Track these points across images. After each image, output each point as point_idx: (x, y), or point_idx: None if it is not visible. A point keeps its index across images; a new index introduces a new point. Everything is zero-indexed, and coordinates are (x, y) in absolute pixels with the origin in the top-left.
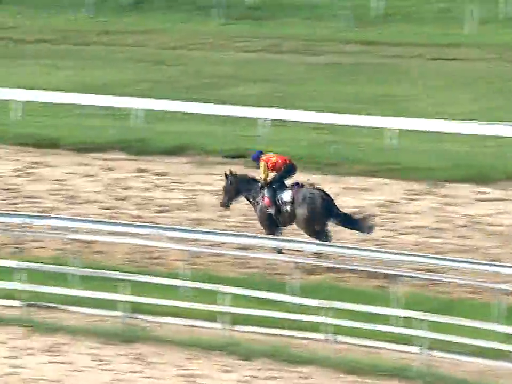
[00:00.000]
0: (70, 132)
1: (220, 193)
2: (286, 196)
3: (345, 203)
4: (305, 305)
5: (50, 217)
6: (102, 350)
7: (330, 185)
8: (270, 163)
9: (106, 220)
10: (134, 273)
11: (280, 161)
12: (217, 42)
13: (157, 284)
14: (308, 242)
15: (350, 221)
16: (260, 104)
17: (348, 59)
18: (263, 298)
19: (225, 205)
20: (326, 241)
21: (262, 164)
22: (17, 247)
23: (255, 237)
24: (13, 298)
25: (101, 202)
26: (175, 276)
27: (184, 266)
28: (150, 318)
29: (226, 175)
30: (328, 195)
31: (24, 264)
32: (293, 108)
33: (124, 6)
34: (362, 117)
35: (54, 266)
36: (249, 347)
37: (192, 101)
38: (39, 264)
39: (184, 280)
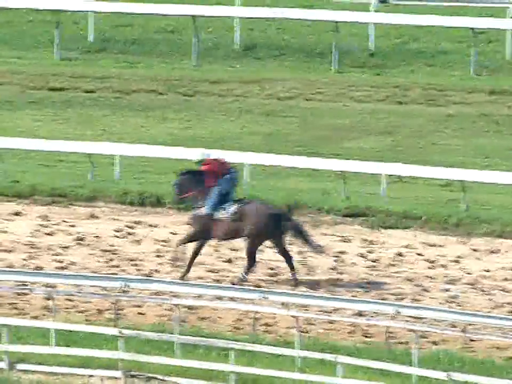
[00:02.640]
0: (170, 189)
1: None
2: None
3: (470, 266)
4: (430, 377)
5: (152, 281)
6: None
7: (455, 246)
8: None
9: (212, 284)
10: (242, 341)
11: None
12: (333, 91)
13: (267, 353)
14: (430, 309)
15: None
16: (379, 158)
17: (474, 109)
18: (383, 370)
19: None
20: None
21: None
22: (117, 313)
23: (372, 302)
24: (113, 368)
25: (206, 265)
26: (285, 344)
27: (296, 334)
28: None
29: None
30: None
31: (125, 332)
32: (416, 163)
33: (233, 53)
34: (491, 172)
35: (156, 334)
36: None
37: (305, 155)
38: (139, 332)
39: (296, 349)
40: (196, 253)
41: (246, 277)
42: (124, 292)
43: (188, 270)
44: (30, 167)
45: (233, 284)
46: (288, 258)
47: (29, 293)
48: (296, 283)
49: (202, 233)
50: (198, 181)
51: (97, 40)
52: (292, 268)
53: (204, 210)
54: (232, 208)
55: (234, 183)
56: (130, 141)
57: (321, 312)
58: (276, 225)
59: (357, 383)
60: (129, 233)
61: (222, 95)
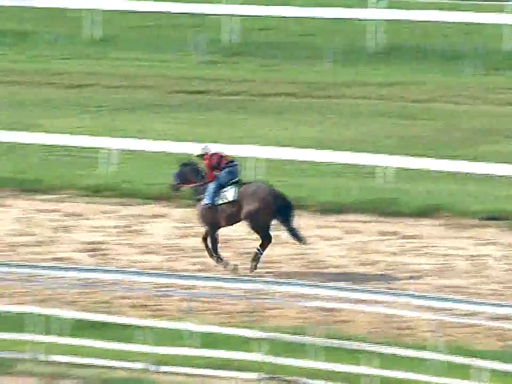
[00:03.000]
0: (312, 192)
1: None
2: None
3: None
4: None
5: (290, 284)
6: None
7: None
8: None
9: (350, 287)
10: (379, 344)
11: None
12: (472, 94)
13: (405, 356)
14: None
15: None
16: None
17: None
18: None
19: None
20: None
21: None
22: (255, 315)
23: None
24: (251, 370)
25: (344, 267)
26: (423, 348)
27: (435, 338)
28: None
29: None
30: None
31: (263, 334)
32: None
33: (371, 55)
34: None
35: (295, 336)
36: None
37: (443, 158)
38: (277, 334)
39: (435, 352)
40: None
41: (262, 252)
42: (262, 294)
43: (218, 258)
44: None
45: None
46: (293, 234)
47: (170, 295)
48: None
49: (211, 224)
50: (197, 173)
51: (237, 43)
52: (299, 239)
53: (203, 202)
54: (228, 193)
55: (234, 176)
56: (269, 144)
57: (460, 316)
58: (274, 206)
59: None
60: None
61: (360, 97)
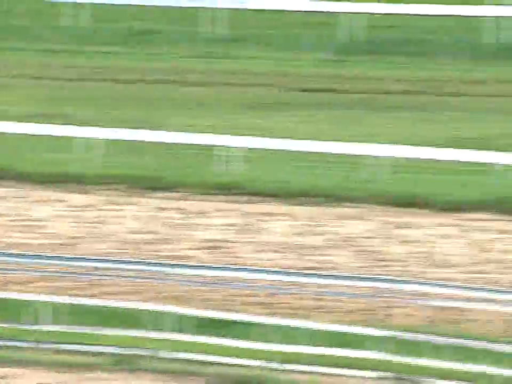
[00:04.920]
0: (436, 190)
1: None
2: None
3: None
4: None
5: (412, 282)
6: None
7: None
8: None
9: (470, 285)
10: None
11: None
12: None
13: None
14: None
15: None
16: None
17: None
18: None
19: None
20: None
21: None
22: (385, 313)
23: None
24: (382, 370)
25: (463, 266)
26: None
27: None
28: None
29: None
30: None
31: (390, 333)
32: None
33: (494, 53)
34: None
35: (424, 335)
36: None
37: None
38: (407, 333)
39: None
40: None
41: None
42: (391, 292)
43: None
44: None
45: None
46: None
47: (299, 293)
48: None
49: None
50: None
51: (352, 41)
52: None
53: None
54: None
55: None
56: (393, 142)
57: None
58: None
59: None
60: (396, 235)
61: (491, 95)
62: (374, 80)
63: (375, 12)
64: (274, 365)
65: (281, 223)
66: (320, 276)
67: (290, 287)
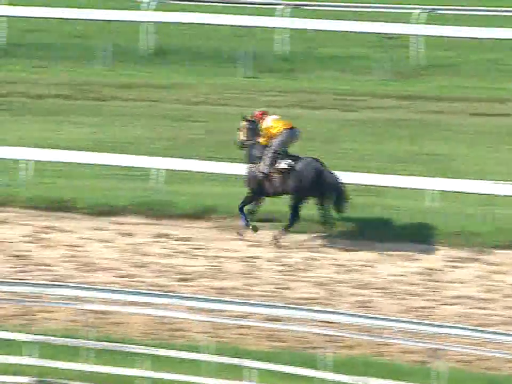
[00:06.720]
0: (84, 194)
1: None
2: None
3: (381, 270)
4: (338, 381)
5: (62, 286)
6: None
7: (365, 251)
8: (267, 126)
9: (123, 289)
10: (153, 346)
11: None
12: (244, 96)
13: (178, 358)
14: (342, 313)
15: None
16: None
17: (386, 115)
18: (293, 374)
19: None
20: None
21: (262, 128)
22: (27, 318)
23: (284, 307)
24: (22, 374)
25: (117, 270)
26: (197, 350)
27: (207, 339)
28: None
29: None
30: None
31: (34, 337)
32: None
33: (144, 57)
34: (401, 177)
35: (66, 339)
36: None
37: (216, 161)
38: (49, 337)
39: (207, 354)
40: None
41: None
42: (34, 297)
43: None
44: None
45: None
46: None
47: None
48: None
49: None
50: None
51: (8, 44)
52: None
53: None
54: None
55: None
56: (40, 146)
57: (232, 317)
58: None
59: None
60: (40, 239)
61: (132, 99)
62: (21, 84)
63: (17, 15)
64: None
65: None
66: None
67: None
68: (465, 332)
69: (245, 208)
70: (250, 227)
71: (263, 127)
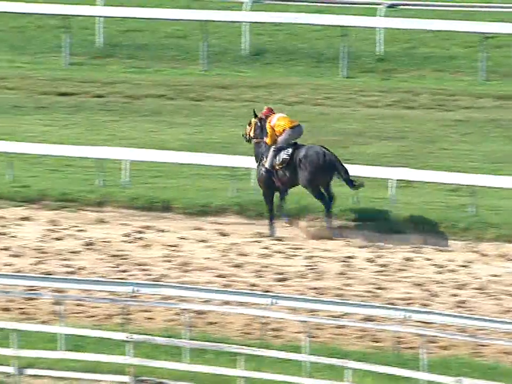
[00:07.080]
0: (182, 194)
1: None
2: (285, 156)
3: (479, 271)
4: (438, 382)
5: (160, 286)
6: None
7: (464, 251)
8: (273, 125)
9: (221, 289)
10: (251, 346)
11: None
12: (342, 97)
13: (276, 358)
14: (439, 314)
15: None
16: (388, 163)
17: (483, 114)
18: (392, 375)
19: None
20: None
21: (267, 126)
22: (125, 318)
23: (382, 307)
24: (122, 373)
25: (215, 270)
26: (295, 350)
27: (305, 339)
28: None
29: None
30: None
31: (133, 337)
32: (425, 168)
33: (242, 58)
34: (500, 177)
35: (165, 338)
36: None
37: None
38: (148, 337)
39: (305, 354)
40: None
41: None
42: (132, 296)
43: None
44: (39, 172)
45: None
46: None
47: (37, 298)
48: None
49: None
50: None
51: (105, 45)
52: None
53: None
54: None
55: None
56: (139, 146)
57: (330, 317)
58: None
59: None
60: (138, 238)
61: (230, 99)
62: (121, 84)
63: (116, 16)
64: (11, 370)
65: (22, 228)
66: (58, 280)
67: (30, 292)
68: None
69: (274, 205)
70: (287, 220)
71: (269, 124)
